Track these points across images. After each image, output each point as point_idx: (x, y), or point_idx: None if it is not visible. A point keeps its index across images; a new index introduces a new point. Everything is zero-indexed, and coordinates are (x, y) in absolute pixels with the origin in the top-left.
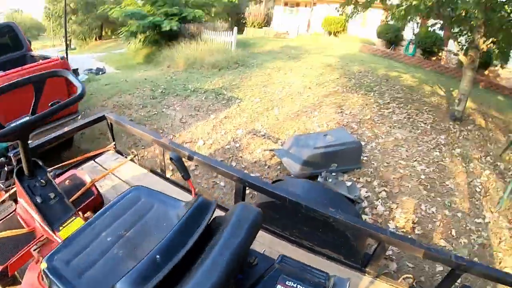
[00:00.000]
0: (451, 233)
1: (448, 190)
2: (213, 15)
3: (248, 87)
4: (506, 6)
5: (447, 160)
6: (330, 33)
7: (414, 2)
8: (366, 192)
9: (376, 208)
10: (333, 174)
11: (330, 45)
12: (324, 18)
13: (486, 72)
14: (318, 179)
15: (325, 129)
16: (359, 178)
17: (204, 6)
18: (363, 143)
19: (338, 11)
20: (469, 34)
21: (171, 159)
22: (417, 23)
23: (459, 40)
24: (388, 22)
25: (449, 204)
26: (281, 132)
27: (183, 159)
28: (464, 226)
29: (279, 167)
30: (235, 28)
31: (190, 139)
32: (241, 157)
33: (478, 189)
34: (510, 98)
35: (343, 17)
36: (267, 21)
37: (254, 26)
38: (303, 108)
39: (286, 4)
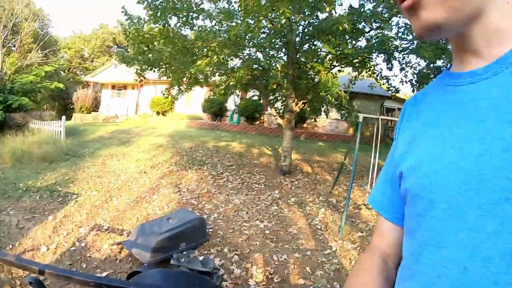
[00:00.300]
0: (306, 270)
1: (293, 236)
2: (39, 101)
3: (83, 179)
4: (311, 73)
5: (285, 210)
6: (158, 113)
7: (231, 83)
8: (220, 260)
9: (233, 272)
10: (184, 253)
11: (159, 125)
12: (151, 99)
13: (305, 125)
14: (171, 262)
15: (166, 211)
16: (210, 250)
17: (30, 92)
18: (205, 216)
19: (164, 94)
20: (283, 100)
21: (30, 283)
22: (238, 95)
23: (275, 106)
24: (211, 97)
25: (297, 247)
26: (124, 222)
27: (34, 275)
28: (315, 261)
29: (130, 258)
30: (63, 117)
31: (32, 247)
32: (89, 256)
33: (318, 227)
34: (328, 141)
35: (170, 98)
36: (95, 106)
37: (83, 112)
38: (141, 194)
39: (113, 87)
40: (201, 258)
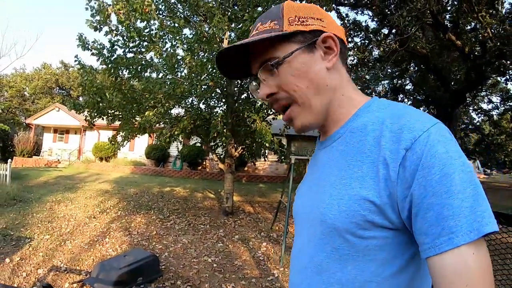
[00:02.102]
0: None
1: (239, 267)
2: None
3: (33, 224)
4: (248, 121)
5: (230, 246)
6: (101, 159)
7: (176, 132)
8: None
9: None
10: (142, 286)
11: (103, 171)
12: (94, 145)
13: (246, 168)
14: None
15: (120, 251)
16: (164, 283)
17: None
18: (157, 255)
19: (110, 141)
20: (224, 146)
21: (43, 287)
22: (180, 142)
23: (216, 152)
24: (155, 143)
25: (243, 276)
26: (81, 263)
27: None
28: (260, 286)
29: None
30: (9, 161)
31: None
32: None
33: (261, 258)
34: (268, 182)
35: (116, 145)
36: (37, 149)
37: (24, 155)
38: (94, 238)
39: (55, 131)
40: None
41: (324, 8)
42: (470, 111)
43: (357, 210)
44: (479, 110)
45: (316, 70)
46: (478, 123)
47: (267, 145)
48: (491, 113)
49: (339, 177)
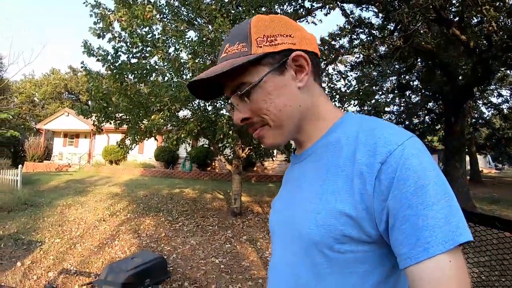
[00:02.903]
0: None
1: (246, 268)
2: None
3: (44, 228)
4: None
5: (238, 247)
6: (111, 162)
7: (183, 135)
8: None
9: None
10: (149, 287)
11: (113, 174)
12: (103, 148)
13: (255, 168)
14: None
15: (129, 254)
16: (172, 284)
17: None
18: (165, 256)
19: (119, 145)
20: (231, 147)
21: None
22: (189, 143)
23: (224, 153)
24: (164, 145)
25: (249, 277)
26: (91, 266)
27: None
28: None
29: None
30: (20, 166)
31: None
32: None
33: (269, 259)
34: (278, 182)
35: (124, 148)
36: (47, 154)
37: (34, 160)
38: (103, 240)
39: (65, 135)
40: None
41: (328, 6)
42: (480, 105)
43: (334, 224)
44: (489, 104)
45: (288, 92)
46: (488, 118)
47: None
48: (501, 107)
49: (314, 192)
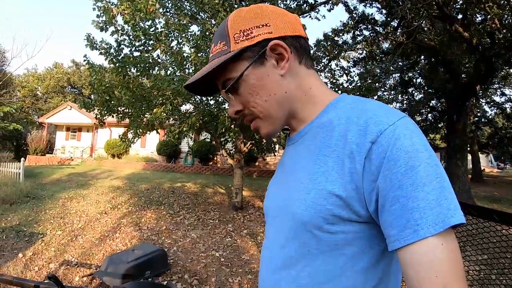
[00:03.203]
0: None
1: (246, 262)
2: None
3: (46, 220)
4: None
5: (238, 241)
6: (113, 156)
7: (185, 128)
8: (182, 285)
9: None
10: (150, 279)
11: (115, 168)
12: (106, 142)
13: (257, 163)
14: None
15: (130, 246)
16: (172, 277)
17: None
18: (166, 249)
19: (121, 138)
20: (233, 141)
21: (49, 278)
22: (191, 138)
23: (226, 148)
24: (166, 139)
25: (249, 270)
26: (92, 258)
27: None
28: None
29: (100, 287)
30: (23, 159)
31: None
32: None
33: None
34: None
35: (127, 142)
36: (50, 147)
37: (37, 153)
38: (105, 233)
39: (68, 129)
40: (165, 283)
41: (331, 1)
42: (483, 104)
43: (323, 204)
44: (491, 103)
45: (271, 81)
46: (491, 116)
47: (275, 140)
48: (504, 106)
49: (306, 172)
